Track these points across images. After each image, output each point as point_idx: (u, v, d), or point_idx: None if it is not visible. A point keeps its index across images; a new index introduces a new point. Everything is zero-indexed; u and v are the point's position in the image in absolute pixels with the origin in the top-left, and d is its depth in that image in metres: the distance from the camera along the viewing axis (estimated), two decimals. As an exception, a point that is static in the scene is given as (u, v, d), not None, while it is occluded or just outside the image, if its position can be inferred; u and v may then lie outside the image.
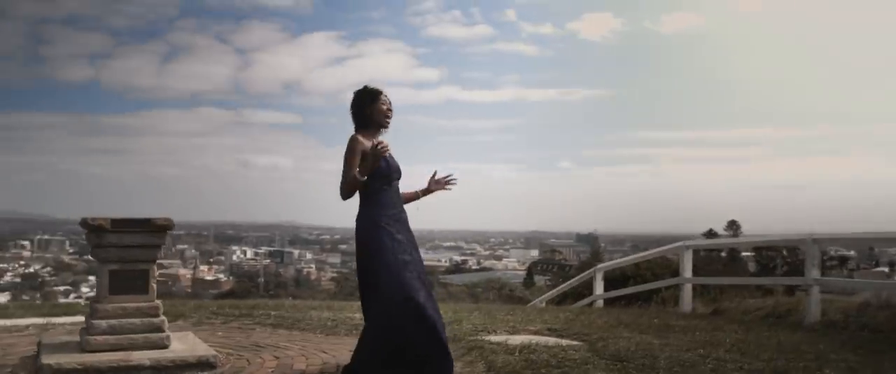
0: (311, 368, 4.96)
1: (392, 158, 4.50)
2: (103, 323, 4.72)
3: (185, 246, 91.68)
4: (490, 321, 7.47)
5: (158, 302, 4.95)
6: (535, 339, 6.21)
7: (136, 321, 4.80)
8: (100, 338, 4.67)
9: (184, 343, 5.05)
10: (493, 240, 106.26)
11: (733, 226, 44.74)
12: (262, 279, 68.52)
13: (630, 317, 8.17)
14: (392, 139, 4.49)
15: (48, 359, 4.42)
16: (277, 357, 5.29)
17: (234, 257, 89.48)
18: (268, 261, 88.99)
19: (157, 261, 5.01)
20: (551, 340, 6.21)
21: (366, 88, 4.54)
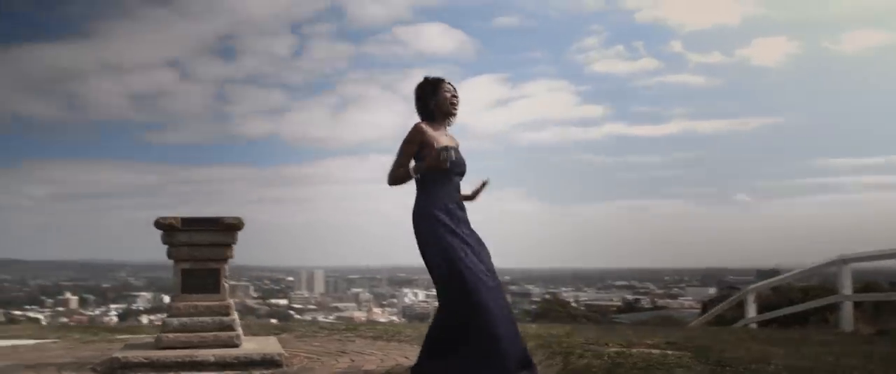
0: (379, 368, 4.78)
1: (457, 152, 4.26)
2: (175, 321, 4.80)
3: (360, 289, 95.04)
4: (605, 336, 6.95)
5: (230, 301, 4.98)
6: (639, 350, 5.67)
7: (207, 319, 4.84)
8: (171, 335, 4.75)
9: (257, 344, 5.03)
10: (667, 278, 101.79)
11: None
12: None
13: (766, 334, 7.35)
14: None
15: (120, 354, 4.54)
16: (353, 360, 5.16)
17: (406, 300, 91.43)
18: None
19: (229, 260, 5.04)
20: (657, 351, 5.65)
21: (426, 78, 4.35)
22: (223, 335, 4.81)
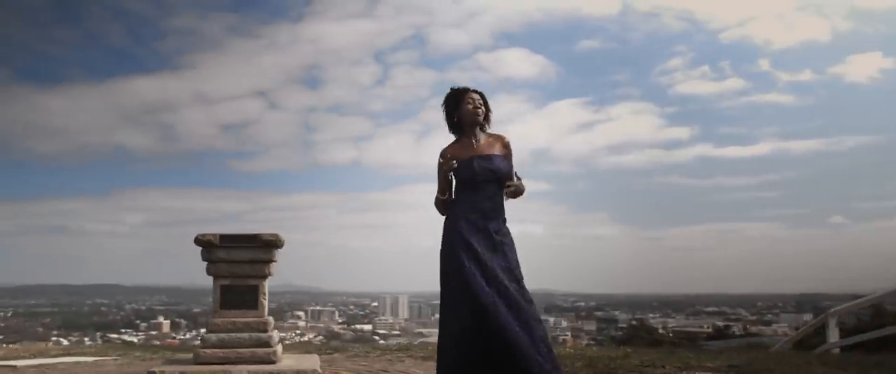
0: (413, 388, 4.70)
1: (480, 160, 4.12)
2: (213, 337, 4.85)
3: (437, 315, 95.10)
4: (664, 358, 6.67)
5: (269, 318, 4.99)
6: (692, 373, 5.41)
7: (244, 335, 4.86)
8: (209, 351, 4.79)
9: (295, 361, 5.02)
10: (760, 304, 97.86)
11: None
12: (514, 347, 68.50)
13: (841, 358, 6.91)
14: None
15: (157, 368, 4.61)
16: (391, 379, 5.10)
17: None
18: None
19: (267, 277, 5.06)
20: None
21: (450, 90, 4.25)
22: (260, 351, 4.82)
